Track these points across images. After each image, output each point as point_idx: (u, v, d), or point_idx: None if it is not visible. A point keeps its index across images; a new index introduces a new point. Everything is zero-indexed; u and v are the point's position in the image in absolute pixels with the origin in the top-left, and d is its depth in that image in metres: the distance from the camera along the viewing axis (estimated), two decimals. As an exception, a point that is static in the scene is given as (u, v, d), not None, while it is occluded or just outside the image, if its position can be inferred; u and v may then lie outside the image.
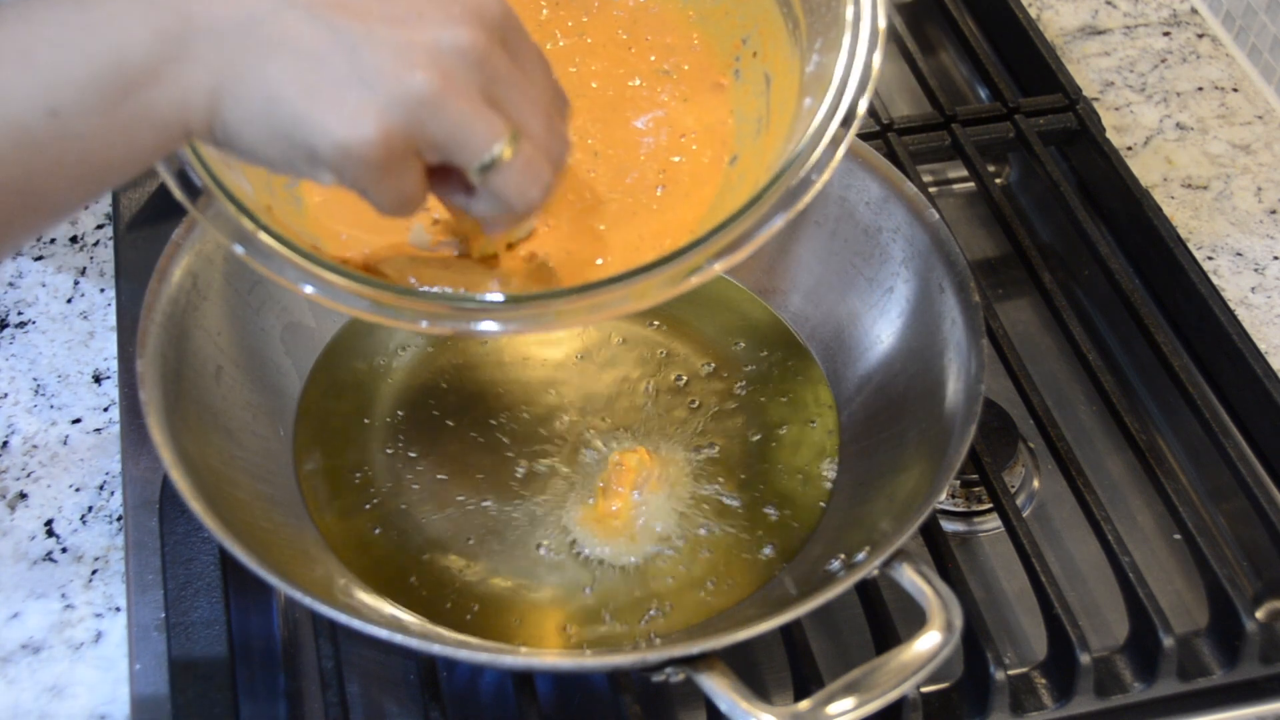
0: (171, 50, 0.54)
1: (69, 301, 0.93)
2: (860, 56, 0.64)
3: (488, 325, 0.61)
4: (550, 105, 0.61)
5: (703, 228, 0.62)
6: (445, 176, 0.59)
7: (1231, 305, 0.92)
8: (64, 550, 0.81)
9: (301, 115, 0.54)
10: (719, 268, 0.61)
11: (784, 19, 0.70)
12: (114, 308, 0.91)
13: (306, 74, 0.54)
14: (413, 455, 0.81)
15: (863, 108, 0.63)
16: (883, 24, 0.64)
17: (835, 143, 0.62)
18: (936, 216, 0.81)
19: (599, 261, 0.67)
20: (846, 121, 0.63)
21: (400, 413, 0.82)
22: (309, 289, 0.61)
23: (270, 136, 0.55)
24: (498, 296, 0.63)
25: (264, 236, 0.60)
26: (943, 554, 0.76)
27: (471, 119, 0.56)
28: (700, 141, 0.71)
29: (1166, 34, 1.14)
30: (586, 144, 0.71)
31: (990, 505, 0.82)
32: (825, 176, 0.62)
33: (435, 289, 0.63)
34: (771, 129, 0.69)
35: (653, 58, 0.74)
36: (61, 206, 0.57)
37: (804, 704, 0.63)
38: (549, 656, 0.72)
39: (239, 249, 0.61)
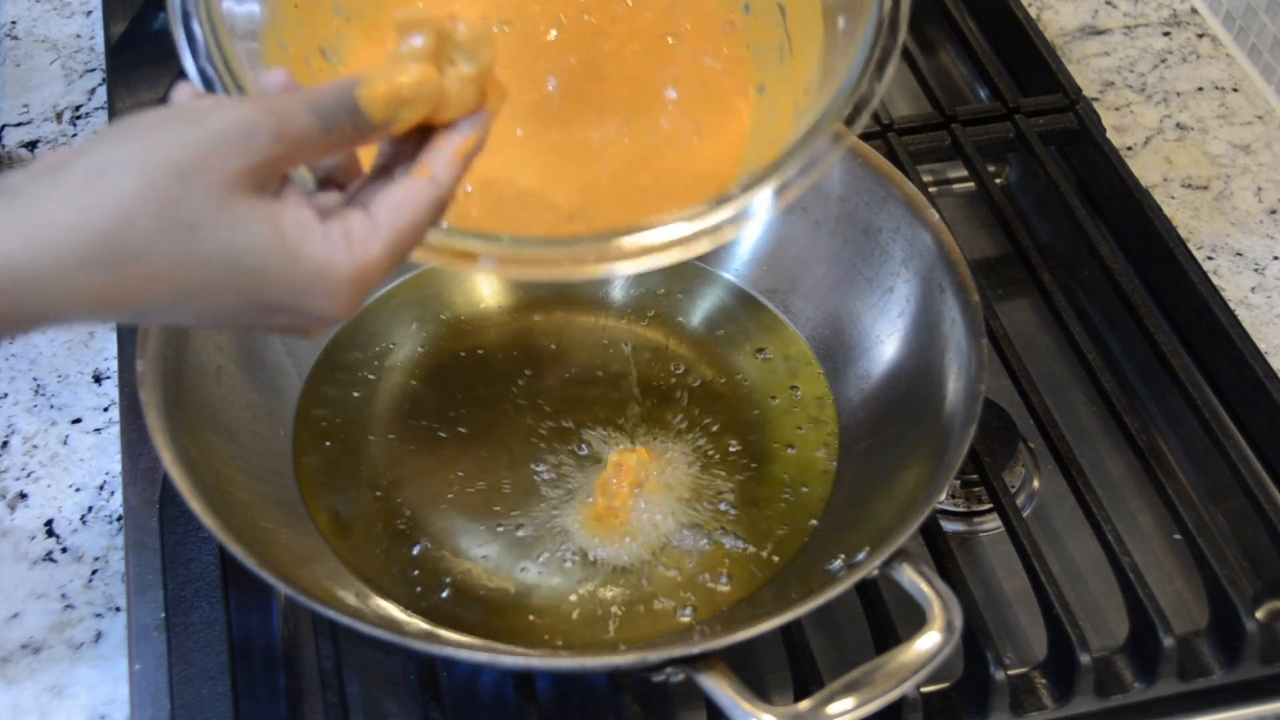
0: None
1: (69, 301, 0.92)
2: None
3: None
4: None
5: (748, 157, 0.63)
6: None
7: (1231, 305, 0.92)
8: (64, 550, 0.81)
9: (253, 327, 0.58)
10: (793, 193, 0.62)
11: None
12: (114, 308, 0.91)
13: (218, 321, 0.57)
14: (413, 456, 0.80)
15: (905, 13, 0.64)
16: None
17: (885, 54, 0.64)
18: (936, 216, 0.81)
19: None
20: (892, 32, 0.64)
21: (401, 412, 0.82)
22: None
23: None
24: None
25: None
26: (943, 554, 0.76)
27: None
28: (722, 78, 0.71)
29: (1166, 34, 1.14)
30: (618, 118, 0.71)
31: (990, 505, 0.82)
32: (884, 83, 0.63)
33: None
34: (796, 54, 0.69)
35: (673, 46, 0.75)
36: None
37: (804, 704, 0.63)
38: (549, 656, 0.72)
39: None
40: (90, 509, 0.82)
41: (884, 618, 0.73)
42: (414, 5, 0.62)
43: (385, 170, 0.59)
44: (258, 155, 0.53)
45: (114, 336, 0.90)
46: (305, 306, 0.56)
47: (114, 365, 0.88)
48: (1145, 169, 1.03)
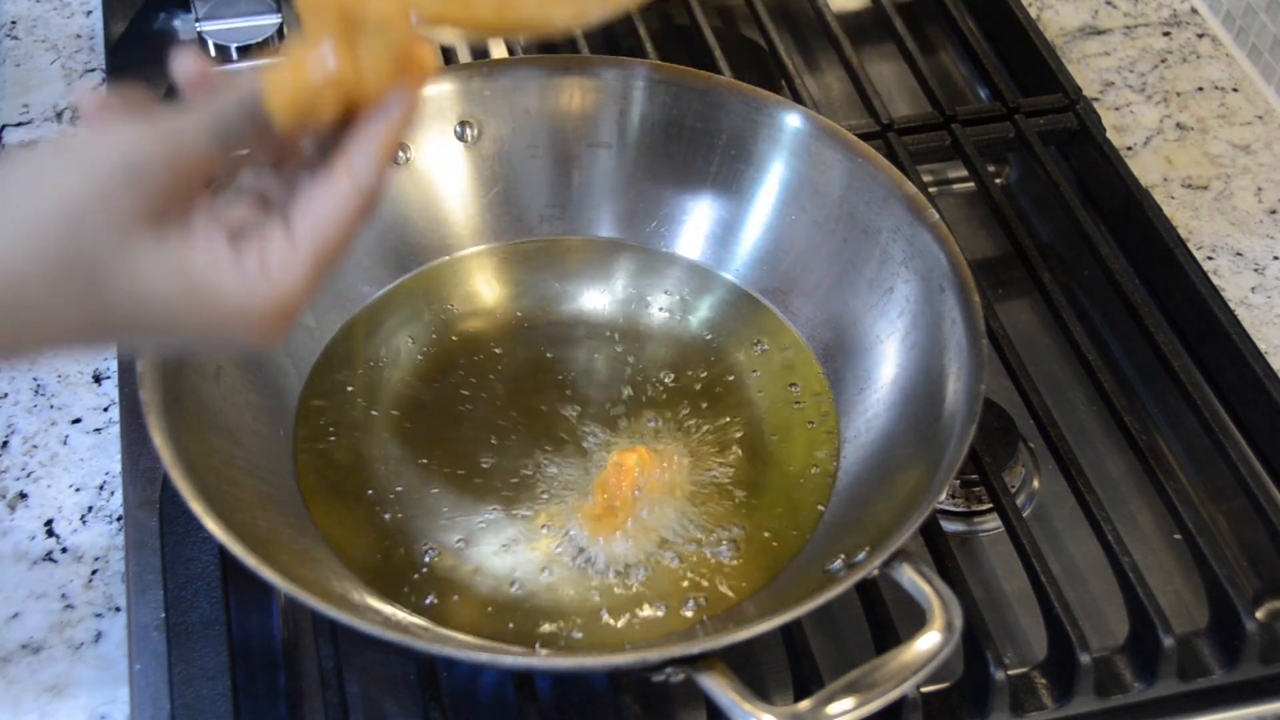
0: None
1: (69, 301, 0.92)
2: None
3: None
4: None
5: None
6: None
7: (1231, 305, 0.92)
8: (64, 550, 0.81)
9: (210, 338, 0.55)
10: None
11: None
12: (114, 308, 0.91)
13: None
14: (413, 455, 0.80)
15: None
16: None
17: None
18: (936, 216, 0.81)
19: None
20: None
21: (400, 413, 0.82)
22: None
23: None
24: None
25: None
26: (943, 554, 0.76)
27: None
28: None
29: (1166, 34, 1.14)
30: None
31: (990, 505, 0.82)
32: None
33: None
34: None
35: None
36: None
37: (804, 704, 0.63)
38: (549, 657, 0.72)
39: None
40: (90, 509, 0.82)
41: (884, 618, 0.73)
42: None
43: (306, 160, 0.54)
44: (151, 189, 0.49)
45: (114, 336, 0.90)
46: (229, 341, 0.53)
47: (114, 365, 0.88)
48: (1145, 169, 1.03)
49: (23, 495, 0.83)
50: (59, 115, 1.04)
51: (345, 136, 0.54)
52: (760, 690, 0.64)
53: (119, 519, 0.82)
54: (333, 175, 0.53)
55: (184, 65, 0.54)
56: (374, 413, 0.82)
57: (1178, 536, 0.80)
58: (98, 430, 0.86)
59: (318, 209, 0.53)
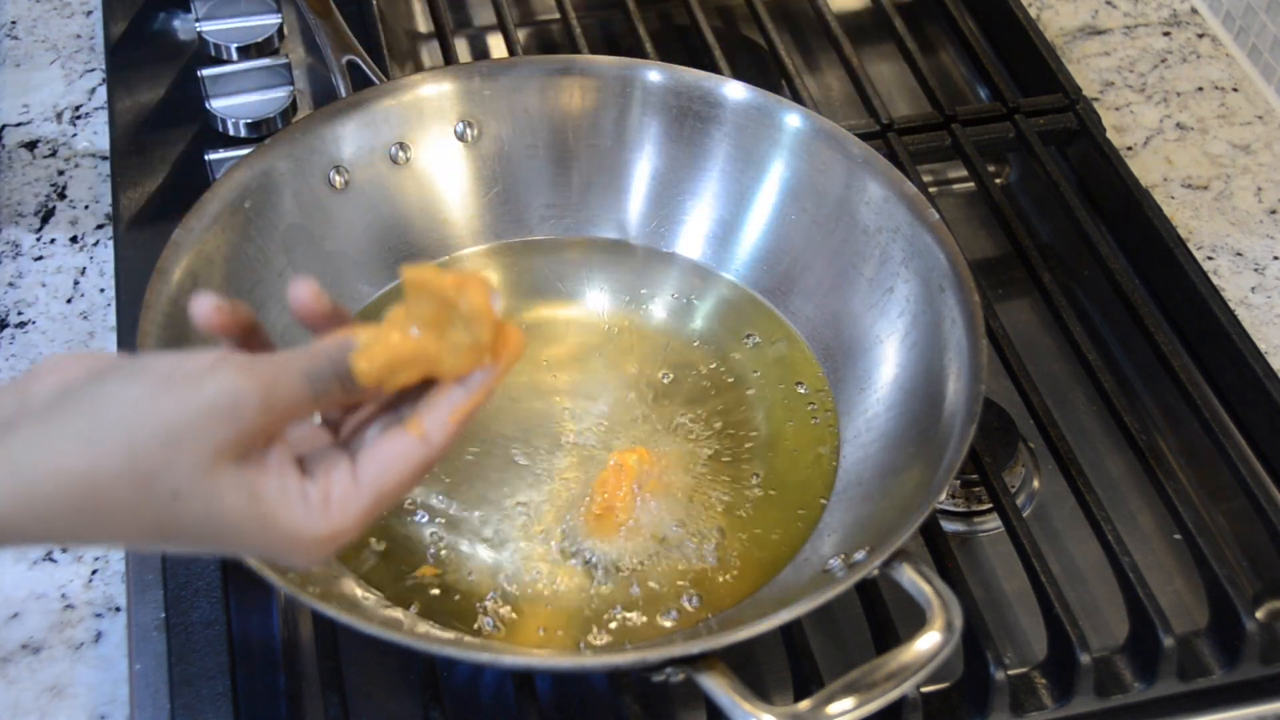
0: None
1: (69, 301, 0.93)
2: None
3: None
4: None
5: None
6: None
7: (1231, 305, 0.92)
8: (64, 550, 0.81)
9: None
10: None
11: None
12: (114, 308, 0.91)
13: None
14: (413, 455, 0.80)
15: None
16: None
17: None
18: (937, 216, 0.81)
19: None
20: None
21: (400, 413, 0.82)
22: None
23: None
24: None
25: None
26: (943, 554, 0.76)
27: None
28: None
29: (1166, 34, 1.14)
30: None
31: (990, 505, 0.82)
32: None
33: None
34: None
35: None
36: None
37: (804, 704, 0.63)
38: (549, 656, 0.72)
39: None
40: (90, 509, 0.82)
41: (884, 618, 0.73)
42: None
43: (381, 408, 0.59)
44: (244, 426, 0.54)
45: (114, 337, 0.90)
46: (275, 560, 0.59)
47: (114, 365, 0.88)
48: (1145, 169, 1.03)
49: (23, 495, 0.83)
50: (59, 115, 1.04)
51: (423, 396, 0.58)
52: (760, 690, 0.64)
53: (119, 519, 0.82)
54: (404, 431, 0.57)
55: (300, 295, 0.59)
56: (374, 413, 0.82)
57: (1178, 536, 0.80)
58: (98, 430, 0.86)
59: (385, 458, 0.57)
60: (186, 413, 0.53)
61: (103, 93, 1.05)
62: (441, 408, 0.58)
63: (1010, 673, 0.72)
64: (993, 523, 0.83)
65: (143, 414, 0.53)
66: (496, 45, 1.15)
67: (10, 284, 0.93)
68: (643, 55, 1.00)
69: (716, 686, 0.63)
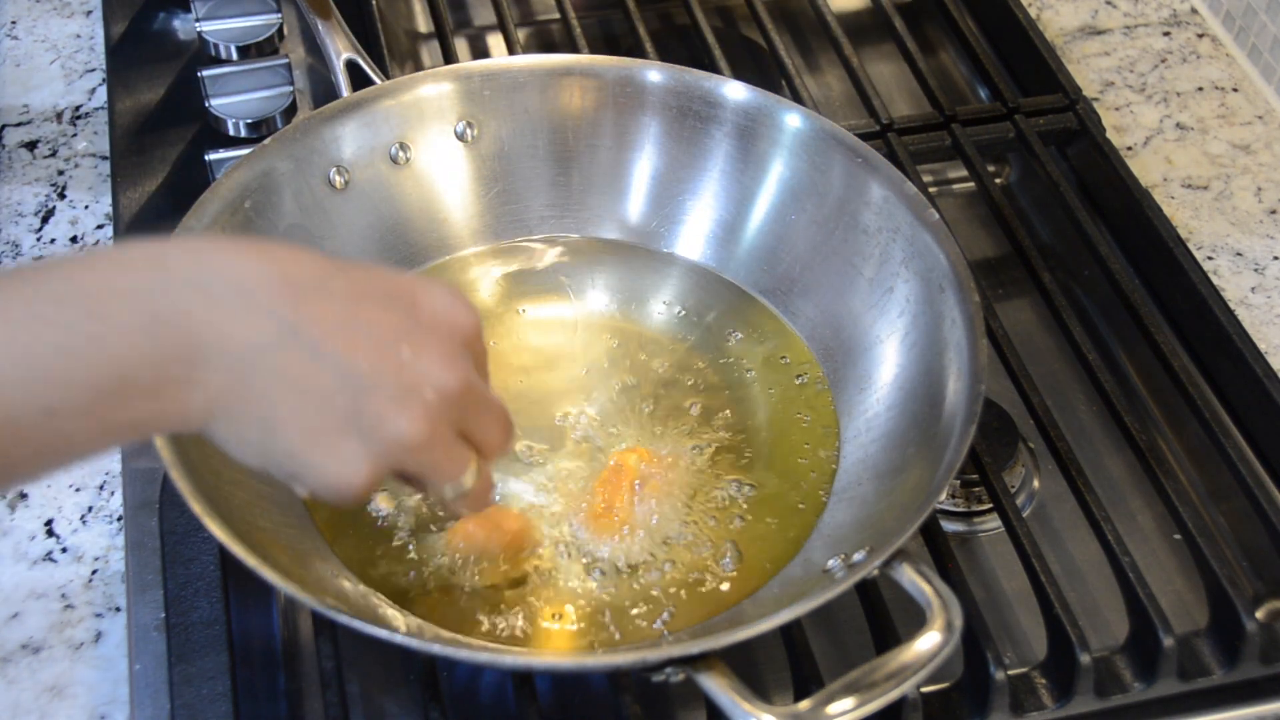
0: (175, 372, 0.55)
1: (69, 301, 0.92)
2: None
3: None
4: (502, 416, 0.65)
5: None
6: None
7: (1231, 305, 0.92)
8: (64, 550, 0.81)
9: (297, 453, 0.58)
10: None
11: None
12: (114, 308, 0.91)
13: (307, 415, 0.58)
14: (413, 455, 0.80)
15: None
16: None
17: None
18: (937, 216, 0.81)
19: None
20: None
21: (400, 413, 0.82)
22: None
23: (259, 456, 0.59)
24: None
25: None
26: (943, 554, 0.76)
27: (447, 460, 0.62)
28: None
29: (1166, 34, 1.14)
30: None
31: (990, 505, 0.82)
32: None
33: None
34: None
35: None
36: (23, 478, 0.62)
37: (804, 704, 0.63)
38: (549, 656, 0.72)
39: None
40: (90, 509, 0.82)
41: (884, 618, 0.73)
42: None
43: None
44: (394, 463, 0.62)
45: (114, 336, 0.90)
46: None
47: (114, 365, 0.88)
48: (1145, 169, 1.03)
49: (23, 495, 0.83)
50: (59, 115, 1.04)
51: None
52: (760, 690, 0.64)
53: (119, 519, 0.82)
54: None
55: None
56: (374, 413, 0.82)
57: (1178, 536, 0.80)
58: (98, 430, 0.86)
59: None
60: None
61: (103, 93, 1.05)
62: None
63: (1010, 673, 0.72)
64: (993, 523, 0.83)
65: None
66: (496, 45, 1.15)
67: (10, 284, 0.93)
68: (643, 55, 1.00)
69: (716, 686, 0.63)
